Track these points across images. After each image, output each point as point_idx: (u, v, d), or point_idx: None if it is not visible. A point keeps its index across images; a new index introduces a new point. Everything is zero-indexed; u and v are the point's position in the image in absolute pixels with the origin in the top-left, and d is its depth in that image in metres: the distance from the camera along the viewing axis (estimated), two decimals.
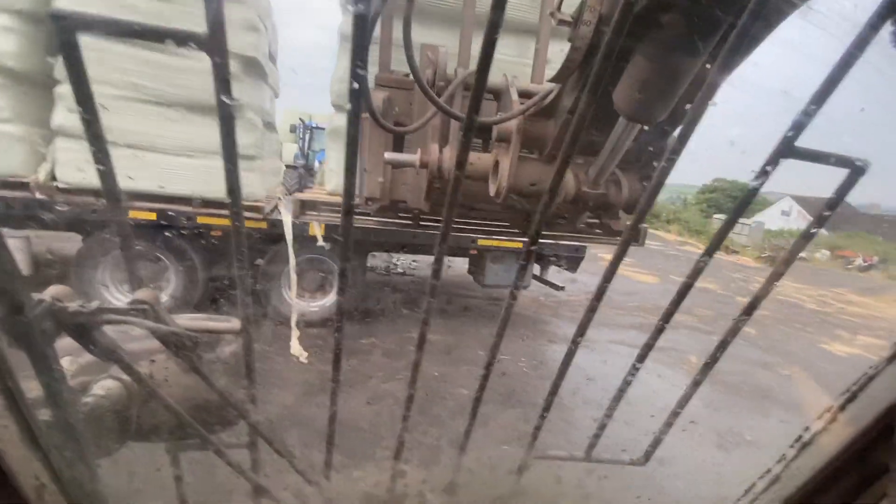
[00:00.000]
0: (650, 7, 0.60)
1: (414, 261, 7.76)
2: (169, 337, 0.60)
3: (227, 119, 0.50)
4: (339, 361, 0.75)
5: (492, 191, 1.32)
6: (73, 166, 3.94)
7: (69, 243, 4.46)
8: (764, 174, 0.57)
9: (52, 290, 0.52)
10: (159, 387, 0.71)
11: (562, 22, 0.79)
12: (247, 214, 4.34)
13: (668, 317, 0.76)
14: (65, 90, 3.81)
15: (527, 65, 2.71)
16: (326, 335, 4.62)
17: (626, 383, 0.87)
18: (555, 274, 5.90)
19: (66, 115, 3.83)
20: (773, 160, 0.56)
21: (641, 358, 0.83)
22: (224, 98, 0.47)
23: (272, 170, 4.87)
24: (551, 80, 1.00)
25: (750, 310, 0.73)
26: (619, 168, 1.20)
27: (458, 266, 6.36)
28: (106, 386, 0.70)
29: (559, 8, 0.86)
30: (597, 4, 0.74)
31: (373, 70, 1.93)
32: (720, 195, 37.07)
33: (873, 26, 0.47)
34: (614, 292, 8.64)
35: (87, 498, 0.57)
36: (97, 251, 4.15)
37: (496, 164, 1.30)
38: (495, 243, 5.07)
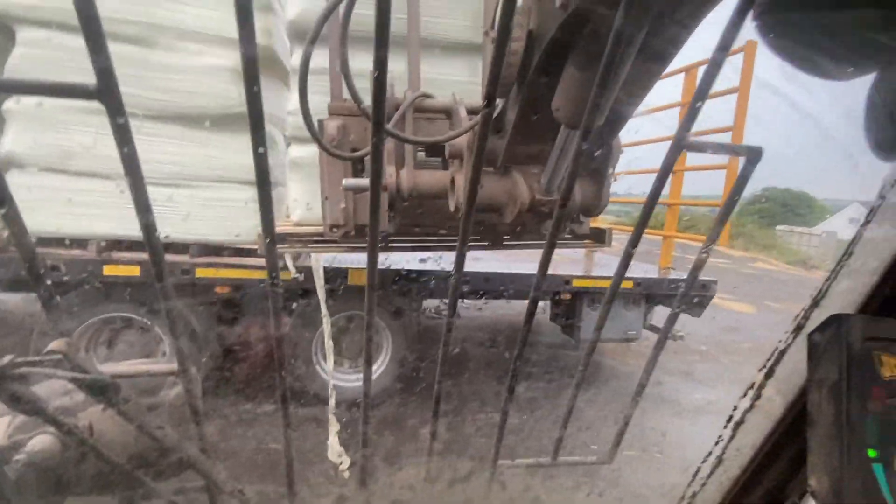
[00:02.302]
0: (566, 29, 0.70)
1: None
2: (91, 384, 0.62)
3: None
4: None
5: (451, 206, 1.45)
6: (33, 209, 2.89)
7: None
8: (666, 171, 0.69)
9: None
10: (99, 438, 0.74)
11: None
12: (256, 262, 3.27)
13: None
14: (19, 106, 2.76)
15: (478, 83, 2.76)
16: (377, 423, 3.52)
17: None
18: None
19: (20, 139, 2.76)
20: (674, 154, 0.66)
21: None
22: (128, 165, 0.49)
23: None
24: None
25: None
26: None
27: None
28: (40, 442, 0.73)
29: (493, 27, 1.04)
30: (524, 21, 0.81)
31: (326, 100, 1.90)
32: (773, 205, 35.07)
33: (738, 18, 0.51)
34: (716, 330, 7.06)
35: None
36: (67, 319, 3.00)
37: (453, 180, 1.43)
38: (596, 283, 3.73)
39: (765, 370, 0.72)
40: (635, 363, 5.39)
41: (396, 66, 2.21)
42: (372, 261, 0.66)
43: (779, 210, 34.94)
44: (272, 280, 0.63)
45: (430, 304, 5.06)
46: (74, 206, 3.04)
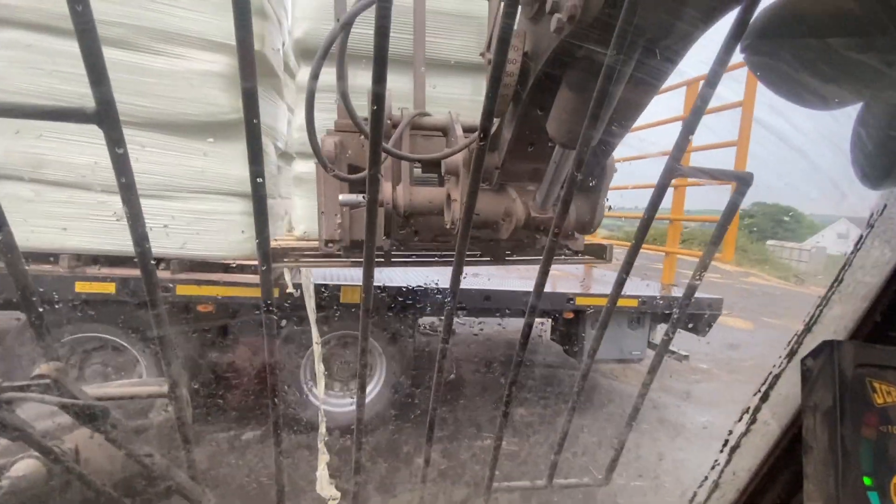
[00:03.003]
0: (560, 52, 0.72)
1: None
2: (78, 410, 0.62)
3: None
4: None
5: (447, 223, 1.48)
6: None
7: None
8: (659, 197, 0.70)
9: None
10: (85, 463, 0.73)
11: (490, 62, 0.82)
12: (249, 279, 3.09)
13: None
14: None
15: (480, 101, 2.34)
16: (371, 450, 3.45)
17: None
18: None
19: None
20: (666, 180, 0.67)
21: None
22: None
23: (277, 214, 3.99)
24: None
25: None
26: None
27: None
28: (24, 466, 0.70)
29: (489, 49, 1.04)
30: (520, 44, 0.84)
31: (332, 117, 1.95)
32: (762, 220, 35.64)
33: (726, 51, 0.54)
34: (715, 348, 7.01)
35: None
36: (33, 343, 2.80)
37: (449, 196, 1.44)
38: (601, 301, 3.62)
39: (759, 394, 0.73)
40: (656, 390, 5.26)
41: (401, 84, 2.30)
42: (367, 280, 0.66)
43: (769, 225, 35.51)
44: (266, 306, 0.63)
45: (426, 320, 4.92)
46: (46, 217, 2.88)
